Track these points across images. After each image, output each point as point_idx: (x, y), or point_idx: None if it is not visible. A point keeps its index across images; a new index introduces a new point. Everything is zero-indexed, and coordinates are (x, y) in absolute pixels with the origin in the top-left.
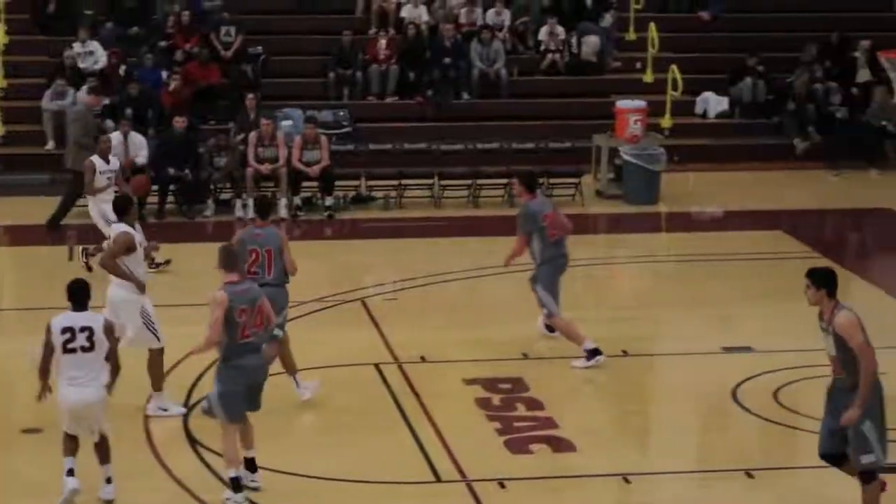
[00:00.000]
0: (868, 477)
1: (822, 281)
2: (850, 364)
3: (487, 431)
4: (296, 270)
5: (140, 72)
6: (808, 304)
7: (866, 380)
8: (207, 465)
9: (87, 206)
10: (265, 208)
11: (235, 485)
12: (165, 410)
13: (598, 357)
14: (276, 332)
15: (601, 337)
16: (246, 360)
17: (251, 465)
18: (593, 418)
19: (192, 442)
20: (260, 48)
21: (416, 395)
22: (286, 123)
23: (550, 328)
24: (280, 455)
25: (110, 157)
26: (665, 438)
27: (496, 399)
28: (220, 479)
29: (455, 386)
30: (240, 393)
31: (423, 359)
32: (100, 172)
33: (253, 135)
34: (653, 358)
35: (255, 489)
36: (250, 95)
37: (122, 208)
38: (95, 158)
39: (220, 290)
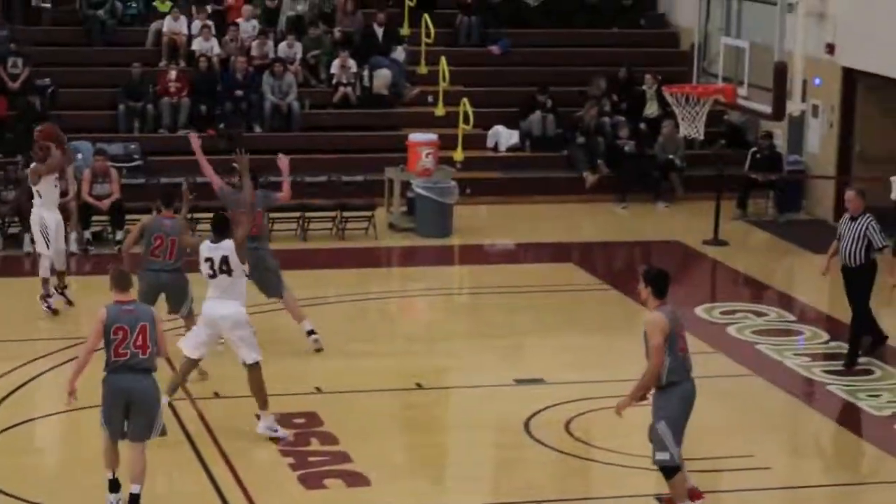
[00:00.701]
0: (666, 473)
1: (649, 280)
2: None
3: (281, 466)
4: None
5: None
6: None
7: (644, 376)
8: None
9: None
10: (169, 197)
11: (111, 485)
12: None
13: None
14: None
15: (395, 369)
16: (117, 378)
17: (133, 501)
18: (387, 452)
19: None
20: (48, 80)
21: (210, 430)
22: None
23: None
24: (67, 493)
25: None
26: (459, 471)
27: (290, 434)
28: None
29: (249, 421)
30: (113, 408)
31: (216, 394)
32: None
33: None
34: (447, 391)
35: None
36: (39, 127)
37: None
38: None
39: (103, 307)
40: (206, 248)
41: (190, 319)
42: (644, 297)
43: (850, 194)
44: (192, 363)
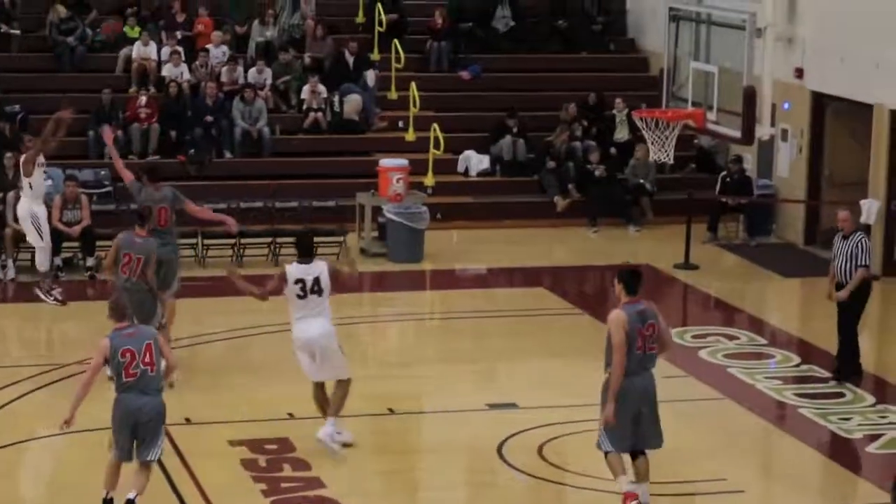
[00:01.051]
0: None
1: (621, 276)
2: (608, 357)
3: (254, 493)
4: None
5: None
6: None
7: (613, 374)
8: None
9: None
10: (145, 218)
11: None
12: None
13: None
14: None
15: (367, 394)
16: (126, 397)
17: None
18: (360, 477)
19: None
20: (18, 106)
21: (182, 457)
22: (46, 183)
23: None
24: None
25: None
26: (432, 496)
27: (262, 460)
28: None
29: (220, 447)
30: (122, 429)
31: (188, 420)
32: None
33: (11, 195)
34: (419, 416)
35: None
36: (8, 154)
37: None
38: None
39: (105, 337)
40: (296, 270)
41: (162, 333)
42: (617, 293)
43: (843, 213)
44: (320, 385)
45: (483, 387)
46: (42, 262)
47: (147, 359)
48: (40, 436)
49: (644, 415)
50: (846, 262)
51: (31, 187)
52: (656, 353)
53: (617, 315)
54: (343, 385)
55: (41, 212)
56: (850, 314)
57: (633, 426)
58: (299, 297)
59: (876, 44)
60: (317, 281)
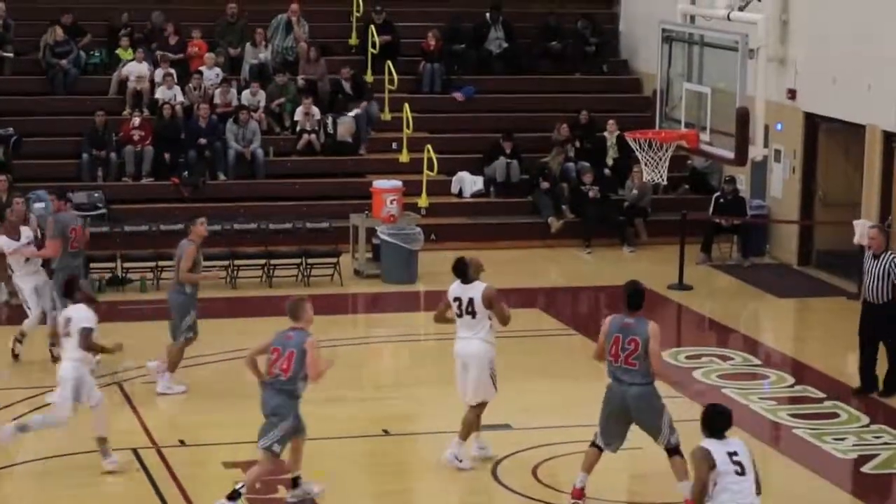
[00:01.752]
0: None
1: (624, 291)
2: None
3: None
4: (187, 278)
5: None
6: None
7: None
8: None
9: None
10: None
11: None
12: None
13: None
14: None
15: (361, 415)
16: (264, 393)
17: (233, 493)
18: (355, 498)
19: None
20: (11, 129)
21: (176, 479)
22: (38, 206)
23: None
24: None
25: (21, 229)
26: None
27: (256, 482)
28: None
29: (215, 469)
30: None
31: (182, 442)
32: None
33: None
34: (414, 437)
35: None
36: (1, 177)
37: None
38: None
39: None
40: (455, 289)
41: (176, 347)
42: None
43: (872, 231)
44: (476, 409)
45: None
46: (30, 324)
47: (284, 364)
48: (31, 459)
49: (630, 419)
50: (878, 281)
51: (11, 269)
52: (636, 370)
53: (605, 321)
54: (474, 410)
55: (26, 287)
56: (892, 328)
57: (614, 426)
58: (457, 315)
59: (868, 65)
60: (471, 302)
